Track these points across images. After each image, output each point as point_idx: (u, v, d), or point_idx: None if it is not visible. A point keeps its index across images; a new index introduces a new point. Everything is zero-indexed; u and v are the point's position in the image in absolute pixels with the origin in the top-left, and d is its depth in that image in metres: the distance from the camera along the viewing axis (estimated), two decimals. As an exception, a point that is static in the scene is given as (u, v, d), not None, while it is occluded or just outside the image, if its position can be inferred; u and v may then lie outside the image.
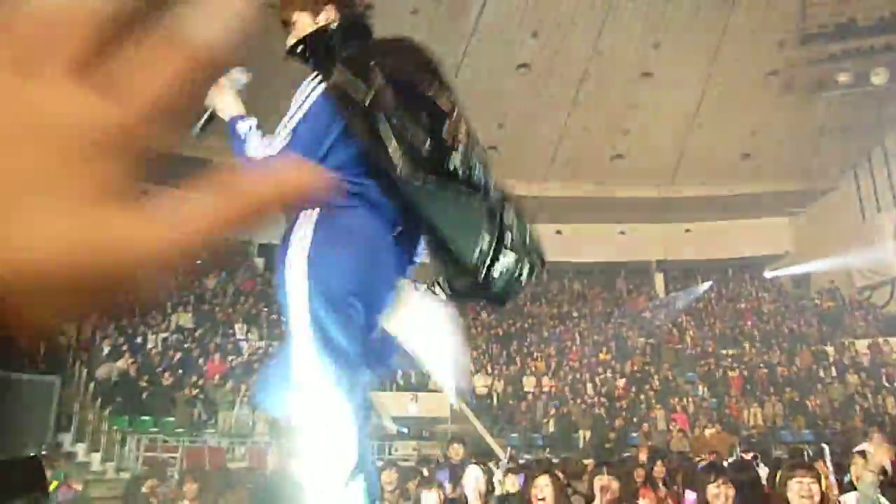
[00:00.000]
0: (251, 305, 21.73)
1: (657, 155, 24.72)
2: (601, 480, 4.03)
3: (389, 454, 16.05)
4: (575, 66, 22.84)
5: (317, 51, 2.18)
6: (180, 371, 16.31)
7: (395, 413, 18.66)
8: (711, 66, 22.75)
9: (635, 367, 21.06)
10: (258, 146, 2.13)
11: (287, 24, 2.28)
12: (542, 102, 23.36)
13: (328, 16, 2.24)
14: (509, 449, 10.65)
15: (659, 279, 27.86)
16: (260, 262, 24.39)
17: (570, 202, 25.76)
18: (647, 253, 27.66)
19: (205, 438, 15.07)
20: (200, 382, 16.31)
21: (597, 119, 23.76)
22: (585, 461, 7.29)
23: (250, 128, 2.16)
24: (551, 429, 18.12)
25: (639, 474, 7.06)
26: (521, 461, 10.26)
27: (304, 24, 2.24)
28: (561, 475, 5.20)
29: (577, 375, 20.64)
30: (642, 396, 19.29)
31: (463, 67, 22.58)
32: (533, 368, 21.10)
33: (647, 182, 25.61)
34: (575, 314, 25.16)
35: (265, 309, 21.74)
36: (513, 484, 5.28)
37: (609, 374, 20.57)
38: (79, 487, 9.01)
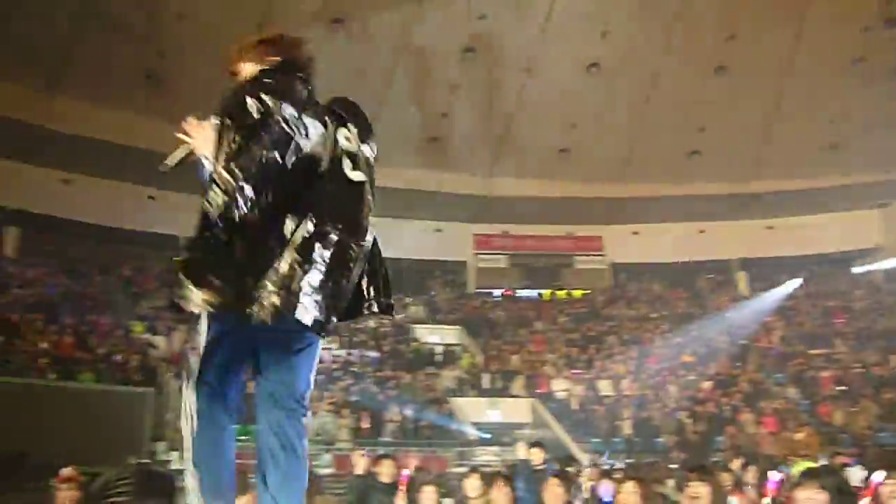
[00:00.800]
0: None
1: (736, 150, 24.00)
2: (691, 486, 3.94)
3: (471, 460, 16.06)
4: (647, 63, 22.44)
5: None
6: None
7: (476, 419, 18.69)
8: (791, 55, 21.98)
9: (720, 370, 20.48)
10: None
11: (234, 75, 2.56)
12: (615, 102, 23.04)
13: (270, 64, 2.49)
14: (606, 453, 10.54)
15: (742, 278, 27.02)
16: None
17: (646, 202, 25.30)
18: (728, 251, 26.88)
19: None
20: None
21: (671, 116, 23.25)
22: (672, 466, 7.14)
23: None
24: (631, 433, 17.78)
25: (727, 479, 6.86)
26: (604, 467, 10.13)
27: (248, 71, 2.50)
28: (646, 481, 5.11)
29: (659, 379, 20.21)
30: (726, 399, 18.72)
31: (533, 70, 22.50)
32: (612, 372, 20.79)
33: (727, 178, 24.89)
34: (655, 316, 24.65)
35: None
36: (607, 491, 5.23)
37: (693, 377, 20.07)
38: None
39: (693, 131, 23.82)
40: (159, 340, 17.86)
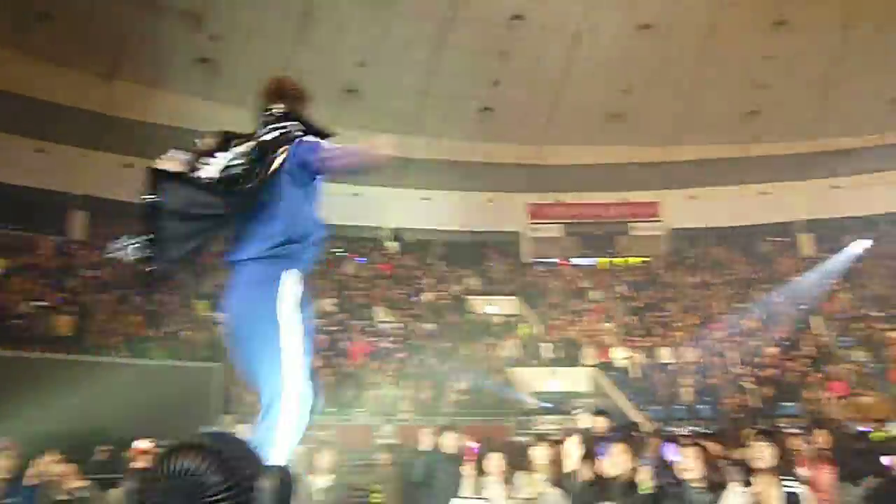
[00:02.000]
0: (387, 288, 22.38)
1: (798, 107, 23.22)
2: (753, 447, 3.88)
3: (532, 429, 16.11)
4: (701, 19, 21.82)
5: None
6: (327, 354, 17.06)
7: (536, 388, 18.74)
8: (852, 8, 21.08)
9: (785, 335, 20.03)
10: None
11: None
12: (668, 62, 22.49)
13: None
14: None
15: (806, 240, 26.25)
16: (394, 245, 25.06)
17: (704, 165, 24.74)
18: (791, 213, 26.10)
19: (355, 417, 15.73)
20: (346, 364, 17.03)
21: (728, 75, 22.61)
22: (739, 431, 7.03)
23: None
24: (692, 400, 17.58)
25: (796, 443, 6.74)
26: (667, 433, 10.04)
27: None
28: (710, 446, 5.06)
29: (722, 345, 19.88)
30: (792, 364, 18.32)
31: (583, 35, 22.09)
32: (673, 339, 20.53)
33: (788, 137, 24.14)
34: (716, 282, 24.20)
35: (401, 291, 22.35)
36: (674, 451, 5.20)
37: (756, 343, 19.69)
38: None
39: (752, 89, 23.13)
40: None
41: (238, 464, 1.14)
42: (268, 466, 1.17)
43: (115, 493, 5.16)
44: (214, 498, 1.09)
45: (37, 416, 10.71)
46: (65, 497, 4.86)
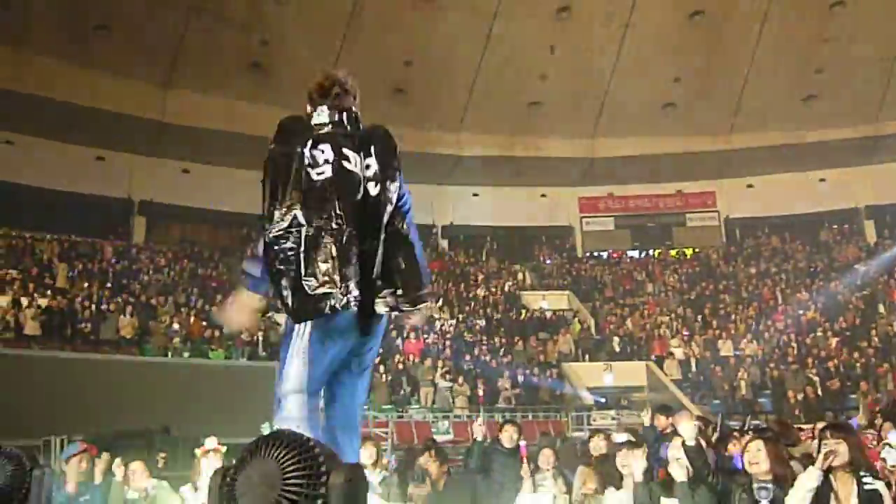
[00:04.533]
0: (440, 286, 22.42)
1: (858, 90, 22.47)
2: (827, 445, 3.75)
3: (589, 424, 16.00)
4: (754, 4, 21.28)
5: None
6: (381, 351, 17.18)
7: (591, 384, 18.58)
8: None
9: (849, 325, 19.45)
10: None
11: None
12: (720, 50, 21.99)
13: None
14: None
15: (869, 226, 25.41)
16: (444, 242, 25.11)
17: (760, 153, 24.12)
18: (853, 199, 25.32)
19: (410, 414, 15.84)
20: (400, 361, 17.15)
21: (784, 60, 22.00)
22: (804, 426, 6.86)
23: None
24: (750, 393, 17.19)
25: (867, 438, 6.56)
26: (727, 428, 9.84)
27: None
28: (775, 440, 4.94)
29: (784, 337, 19.39)
30: (857, 355, 17.77)
31: (632, 25, 21.77)
32: (732, 331, 20.12)
33: (848, 121, 23.38)
34: (774, 271, 23.61)
35: (453, 288, 22.37)
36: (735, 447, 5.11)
37: (819, 333, 19.15)
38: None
39: (809, 73, 22.47)
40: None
41: (316, 458, 1.19)
42: (341, 463, 1.20)
43: (183, 492, 5.29)
44: (291, 485, 1.15)
45: (105, 417, 11.06)
46: (134, 496, 5.00)
